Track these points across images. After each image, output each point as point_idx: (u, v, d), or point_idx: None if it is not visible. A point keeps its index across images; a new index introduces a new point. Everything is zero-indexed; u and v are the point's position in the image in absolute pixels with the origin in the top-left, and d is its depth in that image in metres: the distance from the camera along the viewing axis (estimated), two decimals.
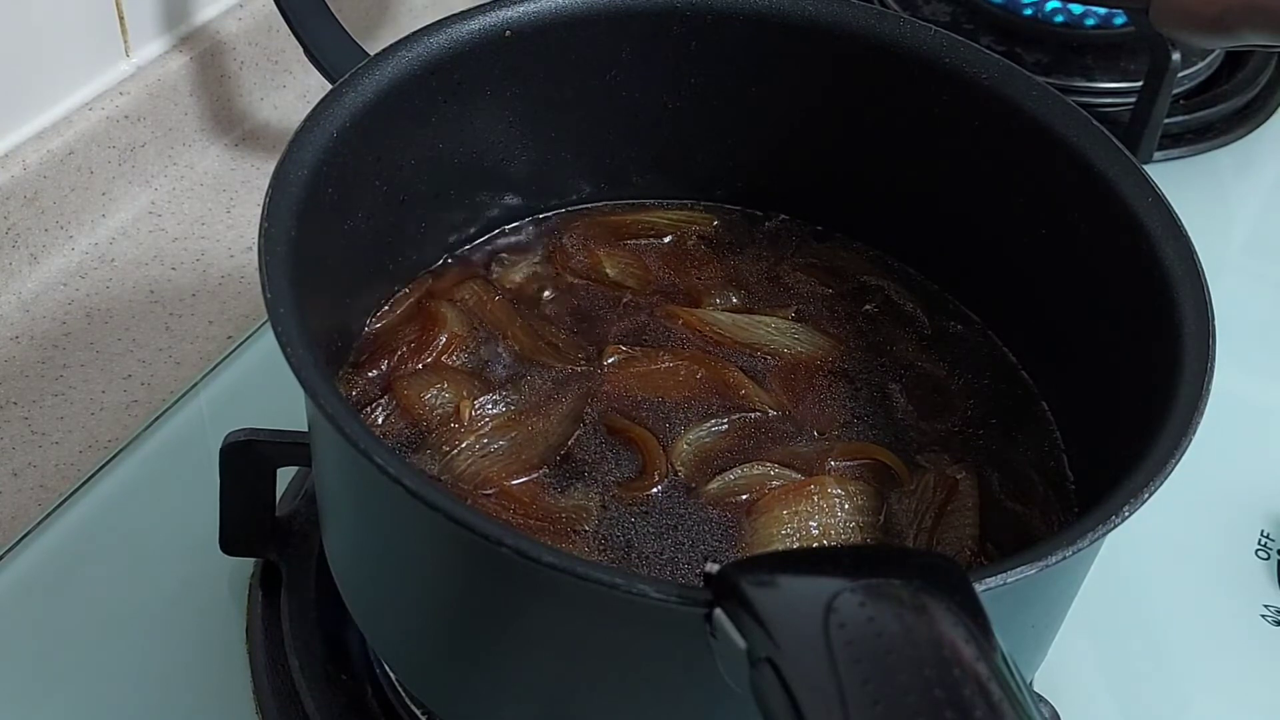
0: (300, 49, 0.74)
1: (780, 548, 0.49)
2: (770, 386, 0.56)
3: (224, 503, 0.56)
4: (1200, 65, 0.92)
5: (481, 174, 0.59)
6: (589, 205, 0.63)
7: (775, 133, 0.61)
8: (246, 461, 0.54)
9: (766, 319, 0.58)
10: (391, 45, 0.53)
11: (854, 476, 0.52)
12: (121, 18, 0.75)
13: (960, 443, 0.55)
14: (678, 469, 0.52)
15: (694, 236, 0.63)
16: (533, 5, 0.55)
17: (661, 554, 0.49)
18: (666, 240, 0.63)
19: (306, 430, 0.51)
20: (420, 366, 0.55)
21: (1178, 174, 0.85)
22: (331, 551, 0.52)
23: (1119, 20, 0.91)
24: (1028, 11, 0.92)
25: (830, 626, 0.32)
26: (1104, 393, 0.52)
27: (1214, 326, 0.46)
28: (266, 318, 0.43)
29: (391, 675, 0.55)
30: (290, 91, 0.86)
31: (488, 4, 0.55)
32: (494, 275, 0.60)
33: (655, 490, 0.51)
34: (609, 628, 0.40)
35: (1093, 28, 0.91)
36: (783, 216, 0.64)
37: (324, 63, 0.73)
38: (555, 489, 0.51)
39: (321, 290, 0.51)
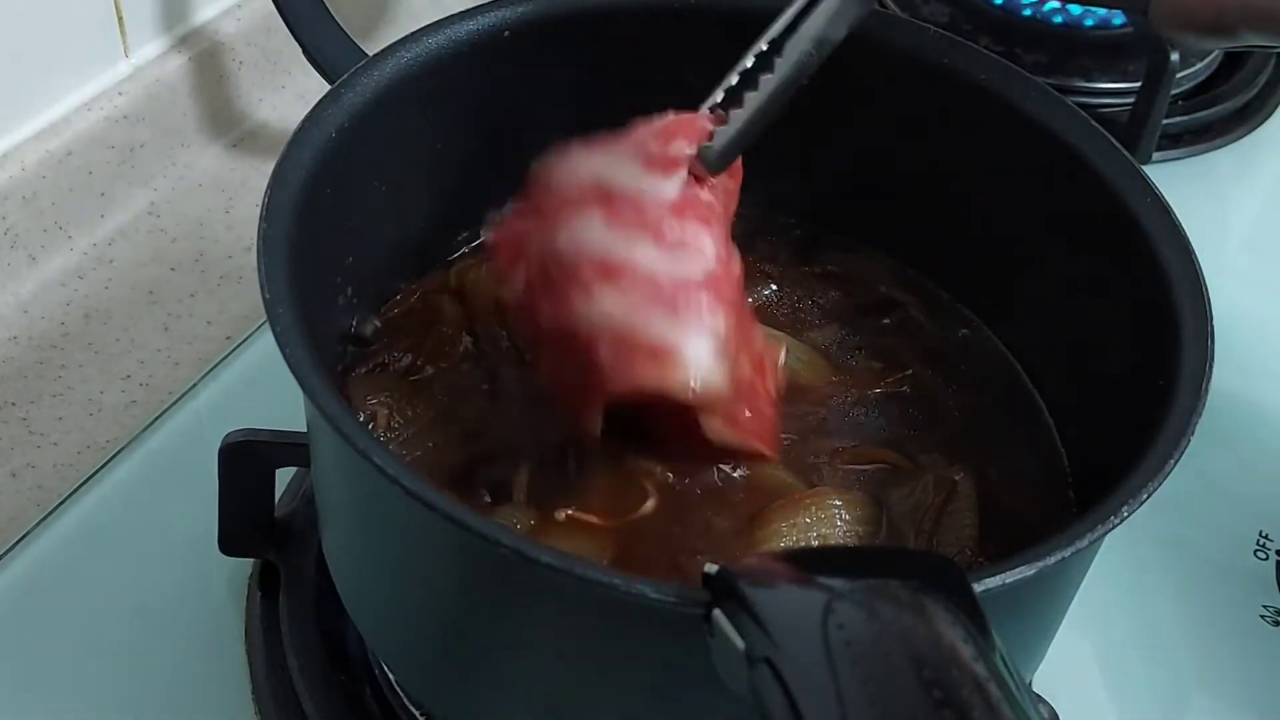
0: (299, 49, 0.74)
1: None
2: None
3: (223, 503, 0.56)
4: (1199, 66, 0.92)
5: (481, 174, 0.59)
6: None
7: (769, 132, 0.61)
8: (245, 462, 0.54)
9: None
10: (390, 46, 0.53)
11: (852, 485, 0.52)
12: (120, 18, 0.75)
13: (960, 444, 0.55)
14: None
15: None
16: (531, 6, 0.55)
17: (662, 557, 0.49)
18: None
19: (305, 431, 0.51)
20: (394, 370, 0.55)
21: (1176, 175, 0.85)
22: (330, 552, 0.52)
23: (1118, 21, 0.91)
24: (1026, 12, 0.92)
25: (829, 627, 0.32)
26: (1103, 393, 0.52)
27: (1212, 327, 0.46)
28: (265, 318, 0.43)
29: (390, 676, 0.55)
30: (289, 92, 0.86)
31: (486, 4, 0.55)
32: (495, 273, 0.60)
33: (646, 509, 0.51)
34: (607, 628, 0.40)
35: (1091, 28, 0.91)
36: (787, 218, 0.64)
37: (323, 63, 0.73)
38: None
39: (320, 290, 0.51)
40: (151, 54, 0.78)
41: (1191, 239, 0.49)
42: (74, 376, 0.69)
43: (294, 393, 0.42)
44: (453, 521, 0.38)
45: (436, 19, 0.54)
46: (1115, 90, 0.88)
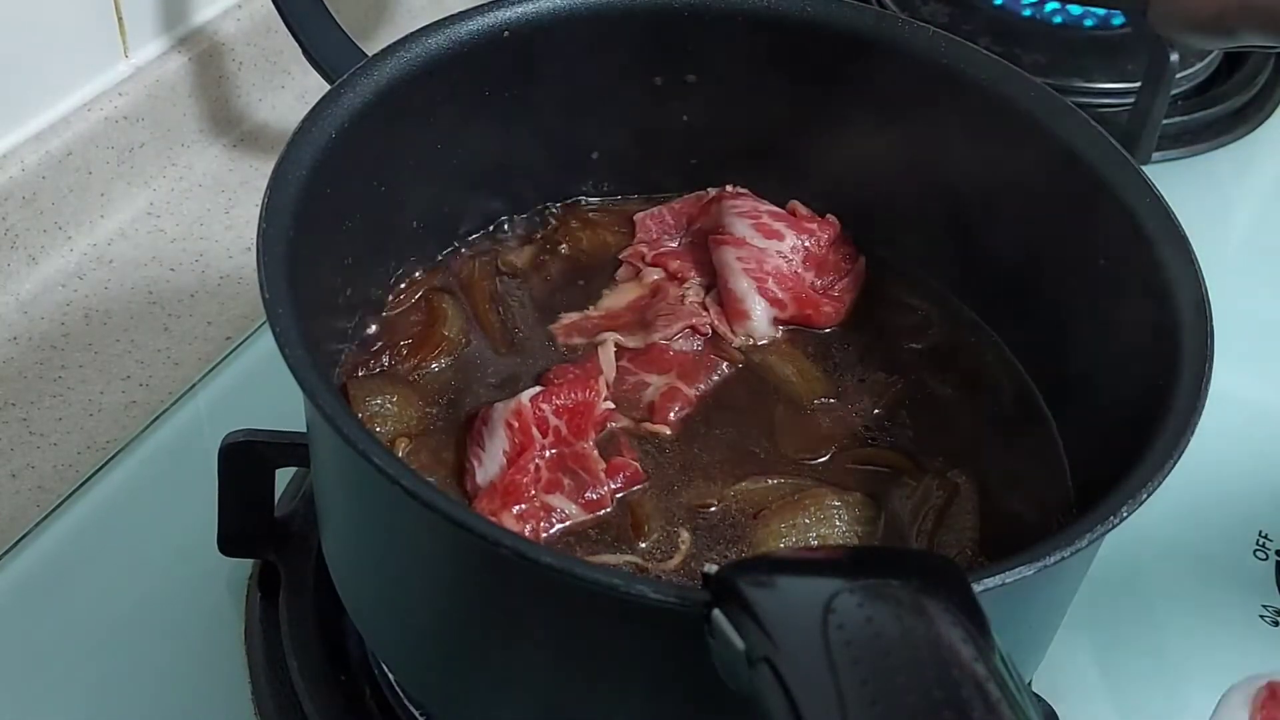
0: (299, 49, 0.74)
1: None
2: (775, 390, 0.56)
3: (222, 503, 0.56)
4: (1198, 66, 0.92)
5: (480, 174, 0.59)
6: (589, 200, 0.63)
7: (770, 132, 0.61)
8: (245, 462, 0.54)
9: None
10: (389, 46, 0.53)
11: (852, 487, 0.52)
12: (120, 18, 0.75)
13: (961, 444, 0.55)
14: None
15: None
16: (530, 6, 0.55)
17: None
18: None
19: (305, 431, 0.51)
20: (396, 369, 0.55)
21: (1176, 175, 0.85)
22: (330, 552, 0.52)
23: (1117, 21, 0.91)
24: (1027, 12, 0.92)
25: (829, 627, 0.32)
26: (1103, 393, 0.52)
27: (1212, 327, 0.46)
28: (265, 318, 0.43)
29: (390, 676, 0.55)
30: (288, 92, 0.86)
31: (485, 5, 0.55)
32: (495, 266, 0.60)
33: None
34: (607, 629, 0.40)
35: (1091, 28, 0.92)
36: None
37: (322, 63, 0.73)
38: None
39: (320, 290, 0.51)
40: (151, 54, 0.78)
41: (1191, 239, 0.49)
42: (74, 377, 0.69)
43: (294, 393, 0.42)
44: (453, 521, 0.38)
45: (436, 19, 0.54)
46: (1115, 90, 0.88)
